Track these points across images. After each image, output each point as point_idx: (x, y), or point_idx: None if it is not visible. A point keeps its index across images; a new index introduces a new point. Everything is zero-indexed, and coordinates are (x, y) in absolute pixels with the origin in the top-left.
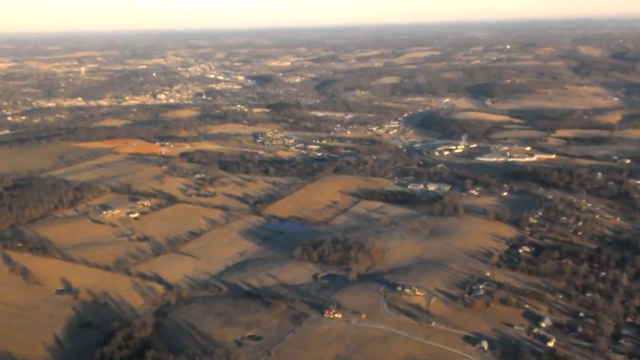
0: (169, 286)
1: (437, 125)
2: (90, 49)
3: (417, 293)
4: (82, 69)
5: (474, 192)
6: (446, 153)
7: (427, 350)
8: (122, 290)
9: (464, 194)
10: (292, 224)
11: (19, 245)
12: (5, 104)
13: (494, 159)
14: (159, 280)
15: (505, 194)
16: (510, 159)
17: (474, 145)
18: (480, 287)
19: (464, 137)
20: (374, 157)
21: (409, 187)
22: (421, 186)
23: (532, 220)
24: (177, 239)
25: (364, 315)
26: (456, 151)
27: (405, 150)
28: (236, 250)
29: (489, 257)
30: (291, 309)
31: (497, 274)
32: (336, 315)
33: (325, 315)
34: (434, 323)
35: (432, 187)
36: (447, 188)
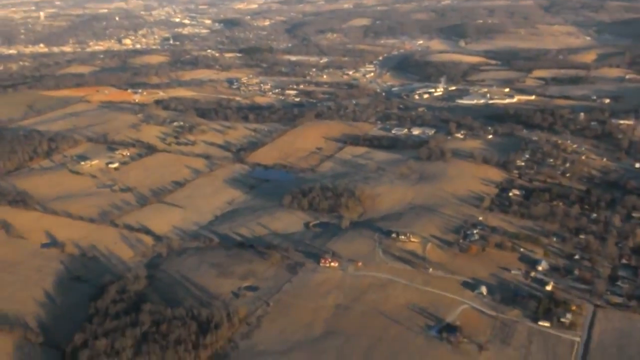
0: (157, 237)
1: (414, 68)
2: None
3: (412, 239)
4: (41, 14)
5: (459, 135)
6: (425, 96)
7: (427, 296)
8: (110, 242)
9: (449, 138)
10: (278, 172)
11: None
12: None
13: (474, 102)
14: (147, 232)
15: (490, 136)
16: (491, 101)
17: (453, 88)
18: (475, 231)
19: (442, 79)
20: (354, 102)
21: (393, 131)
22: (405, 130)
23: (520, 163)
24: (161, 189)
25: (360, 263)
26: (435, 94)
27: (384, 94)
28: (223, 199)
29: (480, 201)
30: (286, 259)
31: (489, 218)
32: (332, 264)
33: (321, 264)
34: (431, 269)
35: (416, 132)
36: (431, 132)
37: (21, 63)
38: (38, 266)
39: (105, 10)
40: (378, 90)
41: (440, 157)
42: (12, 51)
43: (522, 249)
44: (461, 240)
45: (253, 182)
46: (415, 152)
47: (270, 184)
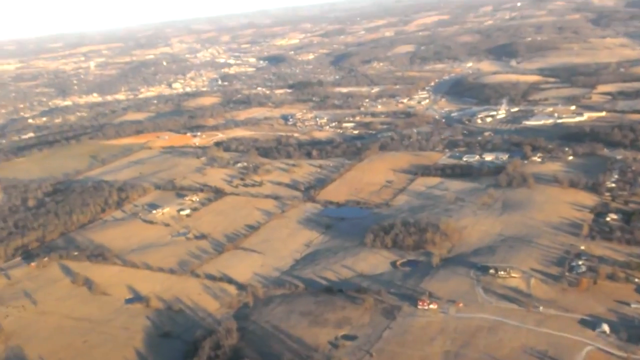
0: (241, 286)
1: (469, 92)
2: (93, 43)
3: (513, 275)
4: (92, 64)
5: (536, 158)
6: (489, 120)
7: (543, 338)
8: (194, 294)
9: (526, 162)
10: (352, 209)
11: (75, 254)
12: (21, 106)
13: (542, 122)
14: (229, 281)
15: (570, 158)
16: (559, 121)
17: (516, 109)
18: (580, 262)
19: (504, 101)
20: (415, 131)
21: (464, 158)
22: (477, 157)
23: (610, 185)
24: (236, 234)
25: (461, 304)
26: (498, 117)
27: (444, 120)
28: (300, 241)
29: (577, 229)
30: (380, 303)
31: (592, 247)
32: (431, 306)
33: (419, 307)
34: (541, 307)
35: (489, 157)
36: (505, 157)
37: (78, 114)
38: (125, 324)
39: (152, 56)
40: (437, 116)
41: (522, 183)
42: (68, 102)
43: (636, 279)
44: (567, 273)
45: (327, 221)
46: (493, 180)
47: (346, 222)
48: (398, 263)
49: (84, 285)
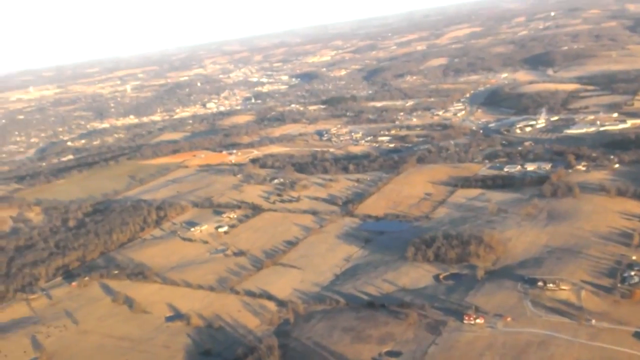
0: (281, 302)
1: (506, 102)
2: (128, 67)
3: (562, 287)
4: (128, 87)
5: (580, 167)
6: (528, 129)
7: (597, 353)
8: (234, 311)
9: (570, 171)
10: (391, 222)
11: (115, 272)
12: (60, 129)
13: (584, 130)
14: (269, 297)
15: (616, 166)
16: (602, 128)
17: (555, 118)
18: (632, 273)
19: (543, 110)
20: (452, 142)
21: (506, 169)
22: (518, 167)
23: None
24: (274, 250)
25: (509, 318)
26: (538, 126)
27: (481, 131)
28: (340, 256)
29: (627, 239)
30: (424, 318)
31: None
32: (478, 320)
33: (465, 321)
34: (594, 321)
35: (531, 167)
36: (548, 166)
37: (116, 135)
38: (165, 342)
39: (186, 78)
40: (474, 127)
41: (567, 193)
42: (105, 125)
43: None
44: (619, 285)
45: (366, 235)
46: (537, 190)
47: (386, 236)
48: (441, 277)
49: (124, 303)
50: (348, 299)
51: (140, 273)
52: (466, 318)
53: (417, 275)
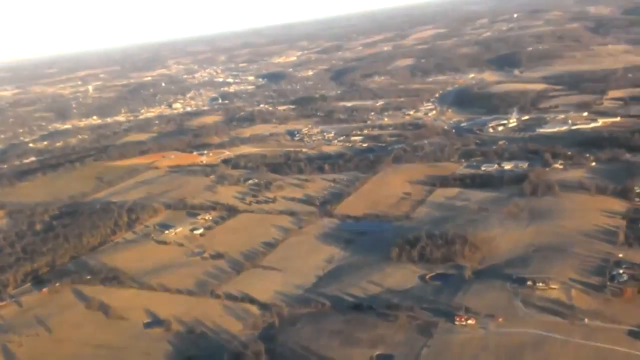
0: (263, 306)
1: (476, 102)
2: (89, 67)
3: (552, 286)
4: (90, 88)
5: (557, 166)
6: (500, 128)
7: (593, 352)
8: (215, 315)
9: (547, 169)
10: (371, 223)
11: (88, 278)
12: (20, 130)
13: (557, 129)
14: (251, 301)
15: (593, 164)
16: (574, 127)
17: (526, 117)
18: (621, 271)
19: (514, 110)
20: (426, 142)
21: (483, 168)
22: (495, 166)
23: (639, 190)
24: (253, 252)
25: (500, 319)
26: (510, 125)
27: (453, 130)
28: (321, 257)
29: (612, 236)
30: (413, 319)
31: (631, 254)
32: (469, 321)
33: (457, 323)
34: (586, 320)
35: (508, 166)
36: (525, 165)
37: (80, 136)
38: (145, 349)
39: (149, 78)
40: (446, 127)
41: (547, 192)
42: (68, 126)
43: None
44: (609, 283)
45: (347, 235)
46: (516, 188)
47: (367, 237)
48: (427, 277)
49: (99, 310)
50: (333, 302)
51: (114, 278)
52: (457, 319)
53: (402, 276)
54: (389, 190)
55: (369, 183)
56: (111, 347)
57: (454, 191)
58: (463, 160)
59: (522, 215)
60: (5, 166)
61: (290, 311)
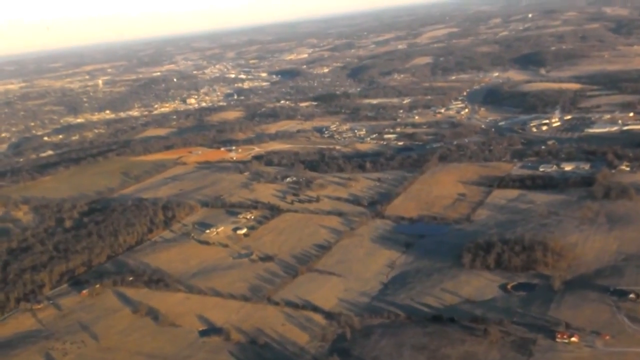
0: (328, 315)
1: (509, 100)
2: (94, 62)
3: None
4: (100, 82)
5: (624, 167)
6: (544, 128)
7: None
8: (277, 324)
9: (613, 171)
10: (429, 225)
11: (130, 279)
12: (32, 124)
13: (607, 129)
14: (314, 309)
15: None
16: (626, 127)
17: (569, 117)
18: None
19: (557, 109)
20: (466, 140)
21: (541, 169)
22: (554, 167)
23: None
24: (305, 255)
25: (608, 336)
26: (554, 125)
27: (493, 129)
28: (381, 262)
29: None
30: (506, 335)
31: None
32: (572, 338)
33: (558, 340)
34: None
35: (568, 167)
36: (586, 166)
37: (96, 130)
38: None
39: (158, 73)
40: (483, 126)
41: (621, 195)
42: (80, 120)
43: None
44: None
45: (405, 238)
46: (584, 191)
47: (428, 240)
48: (509, 287)
49: (147, 315)
50: (407, 312)
51: (159, 280)
52: (559, 336)
53: (479, 284)
54: (441, 190)
55: (418, 182)
56: (167, 357)
57: (513, 193)
58: (516, 161)
59: (600, 220)
60: (21, 159)
61: (361, 322)
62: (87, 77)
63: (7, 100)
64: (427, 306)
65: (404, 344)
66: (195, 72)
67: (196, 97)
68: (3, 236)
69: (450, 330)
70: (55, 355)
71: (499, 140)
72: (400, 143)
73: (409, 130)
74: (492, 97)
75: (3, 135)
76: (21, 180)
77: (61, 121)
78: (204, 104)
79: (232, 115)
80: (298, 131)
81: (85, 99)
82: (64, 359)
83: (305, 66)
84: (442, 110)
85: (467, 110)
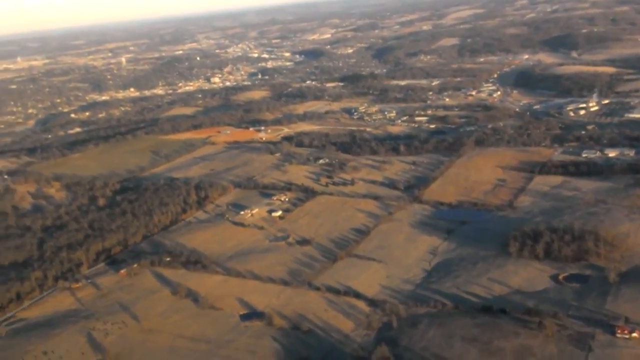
0: (372, 302)
1: (542, 83)
2: (115, 40)
3: None
4: (123, 60)
5: None
6: (582, 112)
7: None
8: (319, 310)
9: None
10: (470, 211)
11: (168, 260)
12: (58, 100)
13: None
14: (356, 295)
15: None
16: None
17: (606, 101)
18: None
19: (595, 92)
20: (501, 124)
21: (584, 155)
22: (597, 153)
23: None
24: (343, 239)
25: None
26: (592, 109)
27: (527, 113)
28: (423, 248)
29: None
30: (561, 328)
31: None
32: (633, 334)
33: (618, 335)
34: None
35: (612, 154)
36: (631, 153)
37: (122, 108)
38: (249, 346)
39: (181, 52)
40: (517, 109)
41: None
42: (105, 97)
43: None
44: None
45: (446, 225)
46: (631, 178)
47: (470, 227)
48: (561, 277)
49: (187, 297)
50: (454, 301)
51: (197, 261)
52: (619, 331)
53: (528, 275)
54: (480, 175)
55: (455, 167)
56: (209, 341)
57: (556, 179)
58: (557, 146)
59: None
60: (49, 136)
61: (406, 310)
62: (109, 54)
63: (31, 76)
64: (475, 296)
65: (454, 335)
66: (217, 51)
67: (220, 76)
68: (37, 212)
69: (502, 322)
70: (97, 336)
71: (536, 124)
72: (432, 126)
73: (441, 112)
74: (524, 79)
75: (30, 111)
76: (51, 157)
77: (86, 98)
78: (228, 83)
79: (257, 94)
80: (326, 112)
81: (109, 77)
82: (105, 339)
83: (328, 46)
84: (473, 93)
85: (499, 92)
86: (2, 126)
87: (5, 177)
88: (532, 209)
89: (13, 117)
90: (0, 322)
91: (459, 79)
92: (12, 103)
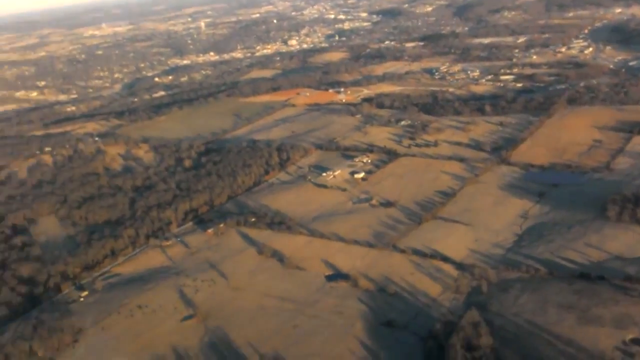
0: (460, 266)
1: (637, 38)
2: (193, 4)
3: None
4: (202, 24)
5: None
6: None
7: None
8: (406, 273)
9: None
10: (563, 173)
11: (253, 220)
12: (142, 65)
13: None
14: (444, 259)
15: None
16: None
17: None
18: None
19: None
20: (594, 82)
21: None
22: None
23: None
24: (428, 201)
25: None
26: None
27: (624, 70)
28: (513, 212)
29: None
30: None
31: None
32: None
33: None
34: None
35: None
36: None
37: (203, 72)
38: (335, 307)
39: (257, 15)
40: (612, 66)
41: None
42: (186, 61)
43: None
44: None
45: (537, 187)
46: None
47: (563, 190)
48: None
49: (272, 257)
50: (548, 267)
51: (281, 222)
52: None
53: (629, 240)
54: (573, 136)
55: (545, 127)
56: (296, 300)
57: None
58: None
59: None
60: (136, 99)
61: (496, 274)
62: (189, 19)
63: (116, 42)
64: (570, 261)
65: (548, 301)
66: (294, 13)
67: (297, 38)
68: (127, 173)
69: (601, 288)
70: (187, 292)
71: (633, 81)
72: (519, 85)
73: (528, 70)
74: (618, 34)
75: (116, 76)
76: (138, 119)
77: (168, 62)
78: (305, 46)
79: (335, 56)
80: (406, 72)
81: (189, 41)
82: (196, 295)
83: (406, 5)
84: (563, 50)
85: (591, 49)
86: (91, 90)
87: (96, 139)
88: (631, 171)
89: (101, 82)
90: (97, 277)
91: (546, 35)
92: (99, 68)
